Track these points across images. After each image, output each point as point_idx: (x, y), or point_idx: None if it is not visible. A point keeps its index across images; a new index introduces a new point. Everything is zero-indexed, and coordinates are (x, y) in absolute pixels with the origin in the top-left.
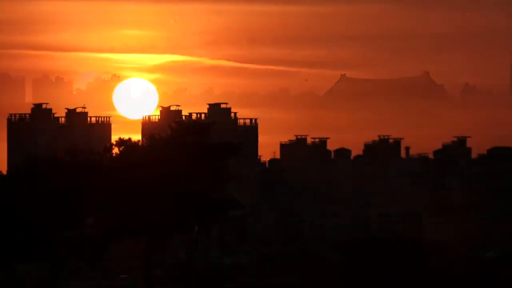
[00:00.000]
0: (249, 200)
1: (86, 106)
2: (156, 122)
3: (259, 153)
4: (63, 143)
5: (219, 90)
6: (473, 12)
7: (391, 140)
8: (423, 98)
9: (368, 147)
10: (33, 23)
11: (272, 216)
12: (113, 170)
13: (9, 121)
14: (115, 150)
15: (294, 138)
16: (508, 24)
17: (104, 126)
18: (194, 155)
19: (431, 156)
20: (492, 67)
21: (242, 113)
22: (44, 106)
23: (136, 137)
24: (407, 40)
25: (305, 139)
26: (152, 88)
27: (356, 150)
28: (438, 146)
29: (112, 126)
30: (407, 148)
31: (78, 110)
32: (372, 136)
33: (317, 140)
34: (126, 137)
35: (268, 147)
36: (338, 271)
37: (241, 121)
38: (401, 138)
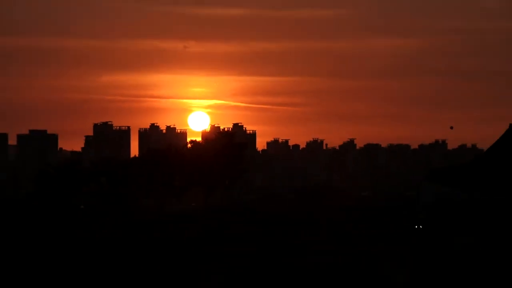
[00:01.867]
0: (252, 170)
1: (175, 124)
2: (208, 132)
3: (257, 146)
4: (164, 143)
5: (237, 116)
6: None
7: (319, 140)
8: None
9: (308, 144)
10: (144, 85)
11: (262, 176)
12: (188, 155)
13: (139, 131)
14: (189, 146)
15: (273, 139)
16: None
17: (183, 134)
18: (226, 148)
19: (337, 148)
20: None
21: (249, 127)
22: (155, 124)
23: (199, 139)
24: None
25: (278, 140)
26: (207, 116)
27: (303, 145)
28: (340, 143)
29: (188, 134)
30: (326, 144)
31: (172, 126)
32: (310, 138)
33: (284, 140)
34: (194, 139)
35: (261, 144)
36: (292, 204)
37: (248, 131)
38: (323, 139)
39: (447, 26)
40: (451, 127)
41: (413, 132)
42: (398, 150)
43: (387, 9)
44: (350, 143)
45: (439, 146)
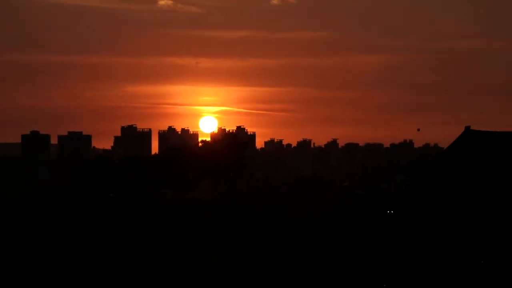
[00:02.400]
0: (252, 165)
1: (189, 127)
2: (216, 133)
3: (256, 145)
4: (179, 142)
5: (240, 120)
6: None
7: (307, 140)
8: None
9: (299, 143)
10: (163, 94)
11: (261, 170)
12: (199, 153)
13: (159, 133)
14: (200, 145)
15: (269, 139)
16: None
17: (195, 135)
18: (231, 146)
19: (323, 146)
20: None
21: (250, 130)
22: (172, 126)
23: (208, 139)
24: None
25: (273, 140)
26: (215, 120)
27: (294, 144)
28: (325, 142)
29: (199, 135)
30: (313, 143)
31: (186, 128)
32: (300, 138)
33: (278, 140)
34: (204, 139)
35: (260, 143)
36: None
37: (249, 133)
38: (311, 139)
39: (412, 45)
40: (418, 130)
41: (386, 134)
42: (373, 149)
43: (363, 31)
44: (334, 143)
45: (407, 145)
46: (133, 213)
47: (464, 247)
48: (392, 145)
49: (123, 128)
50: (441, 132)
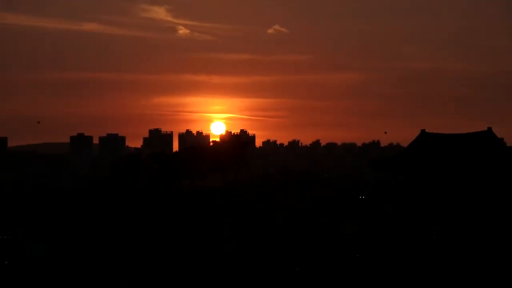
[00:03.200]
0: (252, 160)
1: (202, 130)
2: (224, 135)
3: (255, 144)
4: (195, 142)
5: (243, 124)
6: None
7: (296, 140)
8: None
9: (290, 143)
10: (182, 104)
11: (261, 164)
12: (211, 150)
13: (179, 135)
14: (211, 144)
15: (266, 140)
16: None
17: (208, 137)
18: (235, 146)
19: (309, 145)
20: None
21: (250, 132)
22: (189, 129)
23: (218, 140)
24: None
25: (269, 140)
26: (223, 124)
27: (286, 143)
28: (311, 141)
29: (210, 136)
30: (301, 143)
31: (200, 131)
32: (290, 139)
33: (273, 140)
34: (215, 140)
35: (259, 143)
36: (279, 183)
37: (250, 134)
38: (299, 139)
39: (379, 65)
40: (385, 132)
41: (358, 135)
42: (349, 147)
43: (340, 55)
44: (317, 142)
45: (375, 144)
46: (158, 199)
47: (420, 228)
48: (364, 144)
49: (150, 131)
50: (403, 134)
